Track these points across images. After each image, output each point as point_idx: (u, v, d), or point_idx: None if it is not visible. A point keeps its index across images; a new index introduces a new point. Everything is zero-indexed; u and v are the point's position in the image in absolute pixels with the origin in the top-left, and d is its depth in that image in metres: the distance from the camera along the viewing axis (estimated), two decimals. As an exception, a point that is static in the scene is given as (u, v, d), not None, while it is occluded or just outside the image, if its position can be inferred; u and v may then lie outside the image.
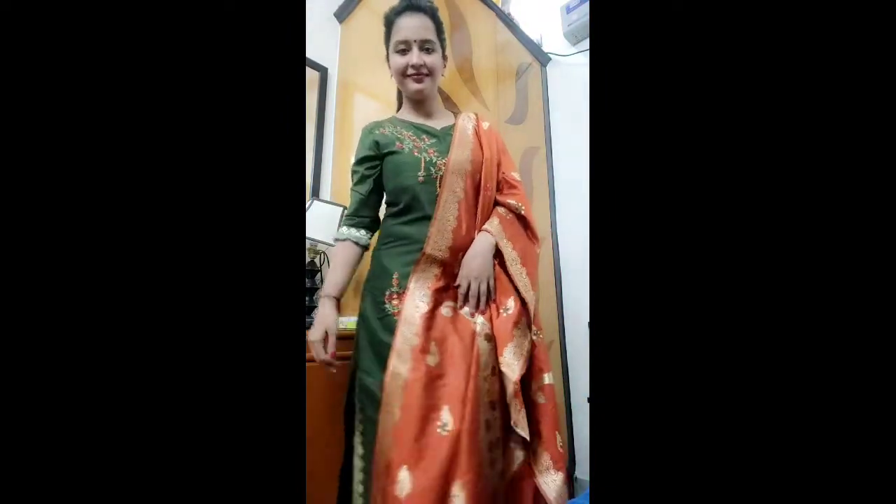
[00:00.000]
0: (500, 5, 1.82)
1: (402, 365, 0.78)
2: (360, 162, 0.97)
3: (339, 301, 0.92)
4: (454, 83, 1.57)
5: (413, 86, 0.95)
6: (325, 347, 0.87)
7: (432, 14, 0.95)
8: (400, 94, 1.05)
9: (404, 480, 0.70)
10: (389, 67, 0.98)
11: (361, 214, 0.97)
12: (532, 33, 1.95)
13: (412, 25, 0.92)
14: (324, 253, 1.26)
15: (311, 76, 1.63)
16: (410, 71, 0.93)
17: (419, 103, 1.00)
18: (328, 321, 0.88)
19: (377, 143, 0.95)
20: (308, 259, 1.22)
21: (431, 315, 0.82)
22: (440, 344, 0.80)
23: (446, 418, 0.74)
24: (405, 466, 0.71)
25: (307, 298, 1.18)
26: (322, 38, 1.70)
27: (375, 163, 0.96)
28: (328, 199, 1.49)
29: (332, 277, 0.93)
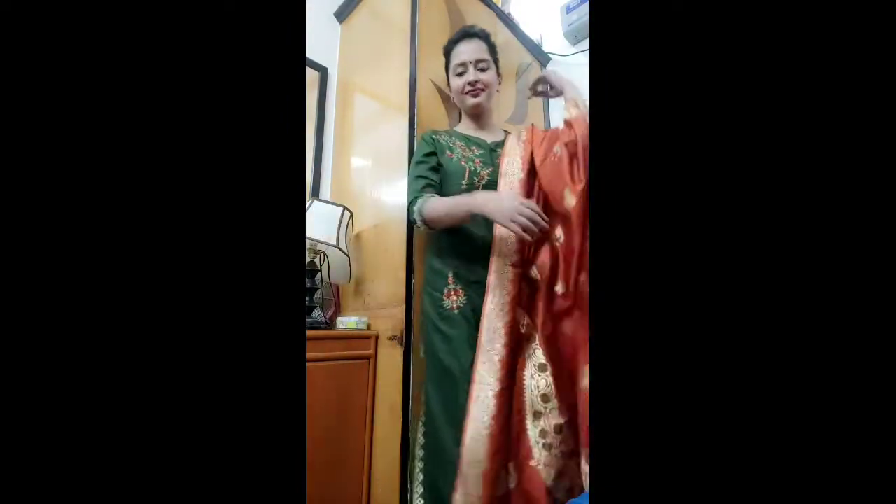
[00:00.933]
0: (500, 5, 1.82)
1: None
2: (427, 154, 1.01)
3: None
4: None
5: (470, 101, 1.05)
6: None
7: (485, 38, 1.06)
8: (459, 112, 1.16)
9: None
10: (450, 90, 1.10)
11: (427, 184, 0.96)
12: (532, 33, 1.95)
13: (468, 49, 1.05)
14: (324, 253, 1.26)
15: (311, 76, 1.63)
16: (468, 88, 1.04)
17: (475, 118, 1.10)
18: (487, 195, 0.86)
19: (435, 143, 1.03)
20: (308, 259, 1.22)
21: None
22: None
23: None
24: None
25: (307, 298, 1.18)
26: (322, 38, 1.70)
27: (435, 158, 1.02)
28: (328, 199, 1.49)
29: (449, 202, 0.89)
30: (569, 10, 1.81)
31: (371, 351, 1.11)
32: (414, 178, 0.99)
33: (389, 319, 1.10)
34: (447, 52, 1.10)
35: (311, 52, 1.62)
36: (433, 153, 1.02)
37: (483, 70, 1.05)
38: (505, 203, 0.79)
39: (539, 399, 0.82)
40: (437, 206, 0.90)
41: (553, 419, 0.80)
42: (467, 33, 1.07)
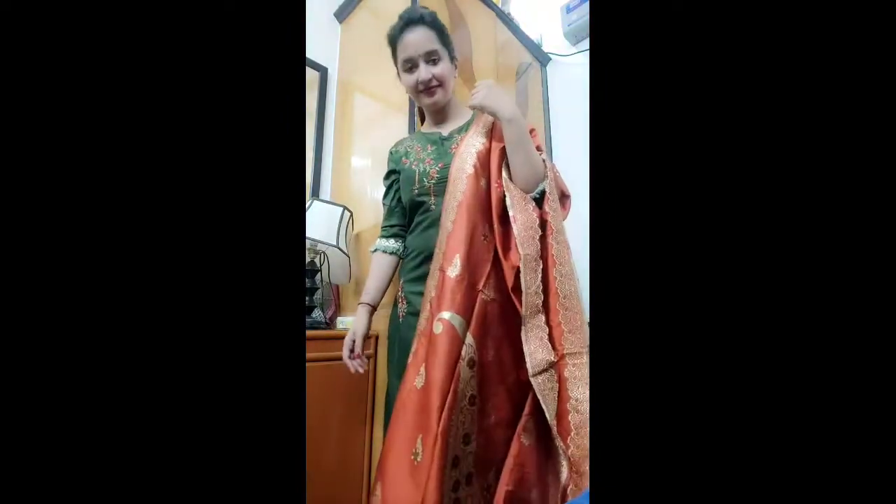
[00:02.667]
0: (500, 5, 1.82)
1: (405, 380, 0.78)
2: (386, 176, 1.03)
3: (373, 308, 0.97)
4: (454, 83, 1.57)
5: (426, 100, 0.94)
6: (351, 350, 0.92)
7: (432, 22, 0.92)
8: (421, 109, 1.05)
9: (378, 497, 0.72)
10: (402, 85, 0.97)
11: (389, 223, 1.01)
12: (532, 33, 1.96)
13: (413, 41, 0.90)
14: (324, 253, 1.26)
15: (311, 76, 1.63)
16: (420, 87, 0.92)
17: (437, 114, 1.00)
18: (356, 326, 0.94)
19: (394, 157, 1.01)
20: (308, 259, 1.22)
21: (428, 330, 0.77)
22: (428, 366, 0.75)
23: (419, 447, 0.70)
24: (380, 483, 0.72)
25: (307, 298, 1.18)
26: (322, 38, 1.70)
27: (396, 175, 1.00)
28: (328, 199, 1.49)
29: (367, 285, 0.99)
30: (569, 10, 1.81)
31: (371, 351, 1.11)
32: (384, 208, 1.03)
33: (389, 319, 1.10)
34: (391, 43, 0.95)
35: (311, 52, 1.62)
36: (394, 171, 1.00)
37: (434, 62, 0.91)
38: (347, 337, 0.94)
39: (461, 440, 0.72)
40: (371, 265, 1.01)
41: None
42: (410, 20, 0.91)
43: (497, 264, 0.79)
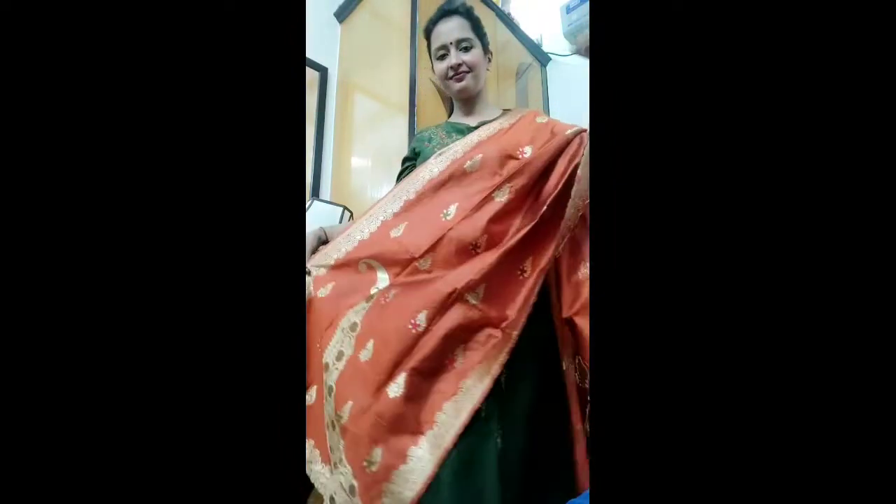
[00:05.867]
0: (500, 5, 1.82)
1: None
2: (403, 161, 1.01)
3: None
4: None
5: (455, 85, 0.94)
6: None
7: (467, 13, 0.95)
8: (451, 102, 1.05)
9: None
10: (435, 77, 0.99)
11: None
12: (532, 33, 1.96)
13: (446, 29, 0.93)
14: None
15: (311, 76, 1.63)
16: (450, 73, 0.93)
17: (465, 104, 0.99)
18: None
19: (419, 141, 0.98)
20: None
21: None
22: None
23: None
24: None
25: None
26: (322, 38, 1.70)
27: (412, 162, 0.98)
28: (328, 199, 1.49)
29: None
30: (569, 10, 1.81)
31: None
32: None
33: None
34: (427, 35, 0.98)
35: (311, 52, 1.62)
36: (410, 157, 0.98)
37: (466, 50, 0.93)
38: None
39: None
40: None
41: None
42: (446, 11, 0.95)
43: None
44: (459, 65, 0.93)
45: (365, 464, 0.58)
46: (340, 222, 1.26)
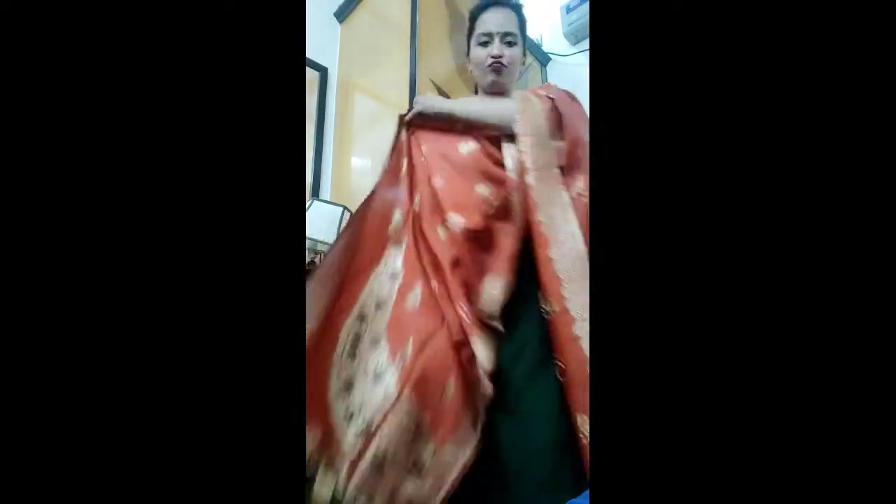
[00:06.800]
0: (500, 5, 1.82)
1: None
2: None
3: None
4: (454, 83, 1.57)
5: (491, 76, 0.93)
6: None
7: (517, 10, 0.95)
8: (476, 92, 1.04)
9: None
10: (469, 62, 0.98)
11: None
12: (532, 33, 1.95)
13: (495, 18, 0.92)
14: (323, 253, 1.26)
15: (311, 76, 1.63)
16: (490, 61, 0.92)
17: (491, 97, 0.97)
18: None
19: None
20: (308, 259, 1.22)
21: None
22: None
23: None
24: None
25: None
26: (322, 38, 1.70)
27: None
28: (328, 199, 1.49)
29: None
30: (569, 10, 1.81)
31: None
32: None
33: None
34: (472, 19, 0.97)
35: (311, 52, 1.62)
36: None
37: (510, 45, 0.92)
38: None
39: None
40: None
41: None
42: (498, 1, 0.94)
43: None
44: (500, 56, 0.92)
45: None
46: (340, 222, 1.26)
